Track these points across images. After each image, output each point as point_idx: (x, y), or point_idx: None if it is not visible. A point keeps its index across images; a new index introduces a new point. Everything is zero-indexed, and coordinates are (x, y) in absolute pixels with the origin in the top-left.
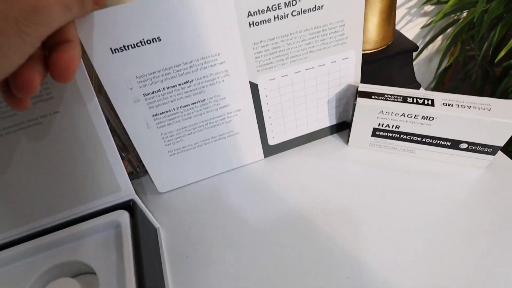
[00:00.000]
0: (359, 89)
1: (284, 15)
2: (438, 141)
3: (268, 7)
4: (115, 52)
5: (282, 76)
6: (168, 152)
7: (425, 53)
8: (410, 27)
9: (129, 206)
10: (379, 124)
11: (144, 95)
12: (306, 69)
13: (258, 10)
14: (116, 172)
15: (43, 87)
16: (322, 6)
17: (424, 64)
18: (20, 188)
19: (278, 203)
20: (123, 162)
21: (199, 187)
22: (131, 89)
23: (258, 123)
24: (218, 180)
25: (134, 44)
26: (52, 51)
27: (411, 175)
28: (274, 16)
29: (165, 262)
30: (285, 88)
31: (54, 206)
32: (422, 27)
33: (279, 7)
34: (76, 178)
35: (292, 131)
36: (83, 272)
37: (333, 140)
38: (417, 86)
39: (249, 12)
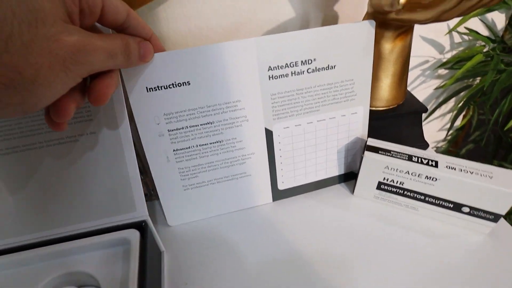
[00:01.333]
0: (368, 143)
1: (301, 72)
2: (441, 202)
3: (286, 63)
4: (150, 91)
5: (295, 125)
6: (183, 186)
7: (438, 113)
8: (424, 87)
9: (141, 226)
10: (384, 178)
11: (169, 130)
12: (318, 120)
13: (278, 66)
14: (135, 194)
15: (85, 109)
16: (334, 66)
17: (437, 123)
18: (47, 195)
19: (280, 247)
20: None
21: (207, 222)
22: (158, 124)
23: (269, 167)
24: (226, 218)
25: (166, 86)
26: (92, 78)
27: (412, 232)
28: (292, 72)
29: (164, 285)
30: (298, 137)
31: (73, 217)
32: (436, 89)
33: (296, 65)
34: (98, 193)
35: (301, 178)
36: (89, 284)
37: (340, 189)
38: (424, 145)
39: (270, 67)
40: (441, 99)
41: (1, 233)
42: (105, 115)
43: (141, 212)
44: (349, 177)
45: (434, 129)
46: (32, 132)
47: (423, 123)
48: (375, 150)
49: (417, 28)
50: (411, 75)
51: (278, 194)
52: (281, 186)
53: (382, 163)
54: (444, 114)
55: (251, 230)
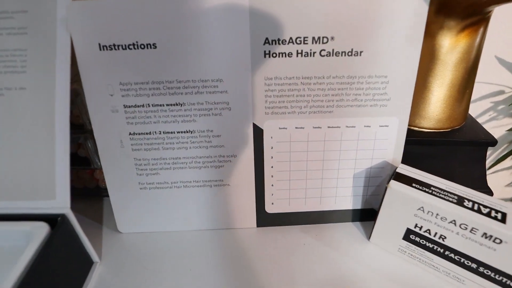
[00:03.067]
0: (397, 170)
1: (311, 53)
2: (504, 279)
3: (291, 38)
4: (103, 49)
5: (296, 127)
6: (139, 183)
7: (509, 162)
8: (493, 125)
9: (55, 221)
10: (416, 226)
11: (125, 106)
12: (328, 127)
13: (278, 40)
14: (58, 178)
15: (20, 58)
16: (361, 52)
17: (506, 175)
18: None
19: None
20: (98, 172)
21: (166, 237)
22: (111, 95)
23: (256, 179)
24: (191, 237)
25: (125, 45)
26: None
27: None
28: (298, 51)
29: None
30: (298, 144)
31: None
32: (510, 130)
33: (305, 42)
34: (12, 166)
35: (298, 203)
36: None
37: (352, 229)
38: (487, 193)
39: (267, 39)
40: None
41: None
42: (43, 69)
43: (62, 203)
44: (367, 215)
45: (502, 182)
46: None
47: (486, 173)
48: (407, 181)
49: (493, 45)
50: (478, 107)
51: (264, 219)
52: (269, 208)
53: (416, 202)
54: None
55: (220, 260)
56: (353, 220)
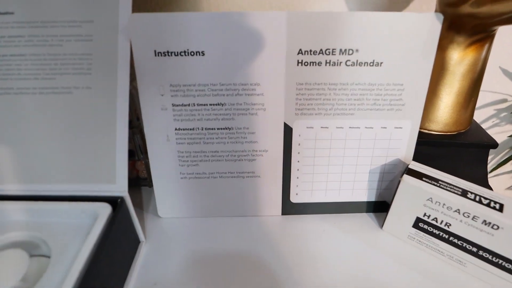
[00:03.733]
0: (409, 166)
1: (337, 62)
2: (500, 261)
3: (321, 49)
4: (158, 55)
5: (321, 127)
6: (180, 173)
7: (510, 166)
8: (496, 131)
9: (116, 203)
10: (424, 215)
11: (173, 105)
12: (350, 127)
13: (310, 51)
14: (118, 165)
15: (86, 61)
16: (381, 63)
17: (507, 179)
18: (26, 146)
19: (277, 272)
20: (139, 164)
21: (202, 222)
22: (162, 95)
23: (283, 172)
24: (221, 222)
25: (177, 52)
26: None
27: None
28: (326, 61)
29: (131, 278)
30: (322, 142)
31: (46, 176)
32: (510, 136)
33: (334, 53)
34: (79, 154)
35: (320, 194)
36: (40, 254)
37: (366, 219)
38: None
39: (300, 50)
40: None
41: None
42: (106, 71)
43: (121, 188)
44: (379, 207)
45: (502, 185)
46: (28, 76)
47: (488, 174)
48: (418, 175)
49: (497, 56)
50: (482, 114)
51: (289, 208)
52: (294, 198)
53: (425, 194)
54: None
55: (249, 244)
56: (367, 211)
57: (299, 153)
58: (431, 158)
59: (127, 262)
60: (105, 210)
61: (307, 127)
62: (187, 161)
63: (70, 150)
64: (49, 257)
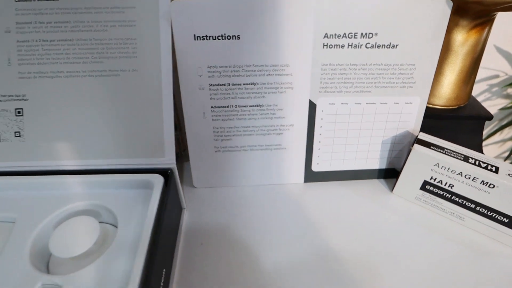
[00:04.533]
0: (419, 137)
1: (358, 45)
2: (494, 215)
3: (345, 33)
4: (197, 39)
5: (342, 103)
6: (215, 147)
7: (498, 137)
8: (488, 104)
9: (166, 174)
10: (431, 178)
11: (210, 85)
12: (367, 103)
13: (335, 34)
14: (166, 139)
15: (131, 45)
16: (396, 45)
17: (495, 149)
18: (81, 125)
19: (304, 232)
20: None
21: (232, 191)
22: (200, 76)
23: (307, 144)
24: (250, 190)
25: (215, 36)
26: None
27: (452, 243)
28: (349, 44)
29: (180, 240)
30: (342, 116)
31: (102, 152)
32: (501, 109)
33: (355, 36)
34: (130, 132)
35: (337, 163)
36: (106, 220)
37: (377, 184)
38: None
39: (326, 33)
40: (505, 121)
41: (32, 155)
42: (150, 55)
43: (169, 160)
44: (389, 174)
45: (491, 154)
46: (77, 60)
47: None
48: (427, 144)
49: (493, 36)
50: (476, 88)
51: (310, 176)
52: (315, 167)
53: (432, 160)
54: (505, 140)
55: (275, 209)
56: (378, 177)
57: (321, 126)
58: (435, 130)
59: (176, 226)
60: (159, 180)
61: (329, 104)
62: (221, 136)
63: (122, 128)
64: (111, 224)
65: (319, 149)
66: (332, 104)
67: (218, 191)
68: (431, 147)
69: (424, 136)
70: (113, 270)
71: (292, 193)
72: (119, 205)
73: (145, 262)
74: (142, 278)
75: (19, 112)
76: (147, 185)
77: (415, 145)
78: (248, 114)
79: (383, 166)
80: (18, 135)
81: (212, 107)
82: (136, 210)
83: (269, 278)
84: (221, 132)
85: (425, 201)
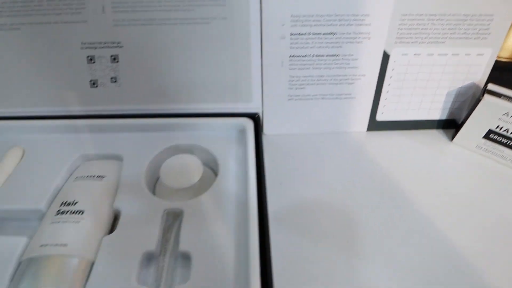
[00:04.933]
0: (488, 88)
1: None
2: None
3: None
4: None
5: (414, 54)
6: (288, 96)
7: None
8: None
9: (253, 118)
10: (497, 127)
11: (291, 34)
12: (439, 54)
13: None
14: (253, 85)
15: None
16: None
17: None
18: (177, 71)
19: (368, 175)
20: None
21: (300, 138)
22: (282, 25)
23: (375, 94)
24: (316, 137)
25: None
26: None
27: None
28: None
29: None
30: (413, 67)
31: (196, 96)
32: None
33: None
34: (221, 78)
35: (401, 113)
36: (203, 160)
37: (436, 134)
38: None
39: None
40: None
41: (128, 99)
42: (239, 3)
43: (256, 105)
44: (449, 124)
45: None
46: (169, 8)
47: None
48: (497, 95)
49: None
50: None
51: (374, 125)
52: (379, 117)
53: (503, 109)
54: None
55: (342, 154)
56: (437, 128)
57: (391, 77)
58: (498, 83)
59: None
60: (249, 124)
61: (402, 54)
62: (296, 84)
63: (211, 73)
64: (207, 163)
65: (385, 99)
66: (405, 55)
67: (286, 138)
68: (501, 97)
69: (494, 87)
70: (224, 196)
71: (356, 140)
72: (215, 145)
73: (257, 187)
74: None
75: (114, 59)
76: (237, 128)
77: (486, 95)
78: (324, 64)
79: (444, 117)
80: (114, 81)
81: (290, 56)
82: (231, 150)
83: (340, 212)
84: (296, 81)
85: (486, 149)
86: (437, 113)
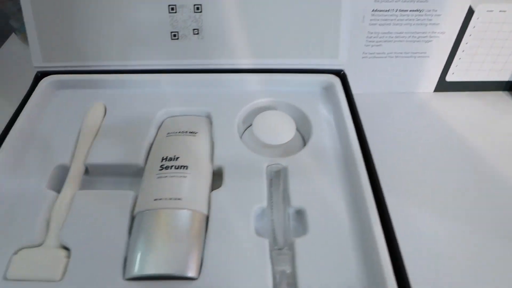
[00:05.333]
0: None
1: None
2: None
3: None
4: None
5: (499, 11)
6: (363, 53)
7: None
8: None
9: (339, 75)
10: None
11: None
12: None
13: None
14: (341, 39)
15: None
16: None
17: None
18: (260, 24)
19: (436, 135)
20: None
21: (368, 97)
22: None
23: (450, 53)
24: (384, 96)
25: None
26: None
27: None
28: None
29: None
30: (494, 25)
31: (281, 51)
32: None
33: None
34: (307, 32)
35: (472, 73)
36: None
37: (504, 96)
38: None
39: None
40: None
41: (211, 53)
42: None
43: (342, 61)
44: None
45: None
46: None
47: None
48: None
49: None
50: None
51: (442, 85)
52: (449, 77)
53: None
54: None
55: (411, 114)
56: (504, 90)
57: (470, 35)
58: None
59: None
60: (337, 80)
61: (487, 11)
62: (373, 41)
63: (299, 28)
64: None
65: (459, 58)
66: (490, 11)
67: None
68: None
69: None
70: (322, 152)
71: (424, 101)
72: (300, 102)
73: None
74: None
75: (197, 9)
76: (324, 85)
77: None
78: (406, 19)
79: None
80: (196, 33)
81: (373, 10)
82: (317, 107)
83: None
84: (374, 37)
85: None
86: (507, 74)
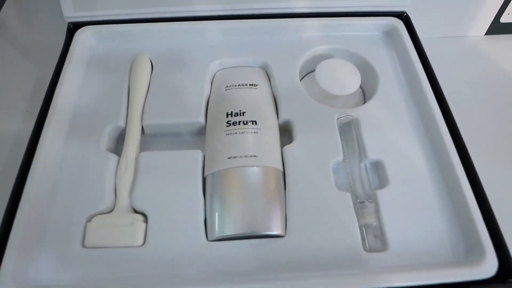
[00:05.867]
0: None
1: None
2: None
3: None
4: None
5: None
6: None
7: None
8: None
9: (401, 18)
10: None
11: None
12: None
13: None
14: None
15: None
16: None
17: None
18: None
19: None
20: None
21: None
22: None
23: None
24: (432, 41)
25: None
26: None
27: None
28: None
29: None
30: None
31: None
32: None
33: None
34: None
35: None
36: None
37: None
38: None
39: None
40: None
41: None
42: None
43: (405, 2)
44: None
45: None
46: None
47: None
48: None
49: None
50: None
51: (495, 28)
52: (504, 18)
53: None
54: None
55: (463, 60)
56: None
57: None
58: None
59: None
60: (400, 24)
61: None
62: None
63: None
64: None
65: None
66: None
67: None
68: None
69: None
70: (392, 101)
71: (476, 45)
72: (361, 48)
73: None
74: None
75: None
76: (386, 29)
77: None
78: None
79: None
80: None
81: None
82: (379, 52)
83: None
84: None
85: None
86: None
